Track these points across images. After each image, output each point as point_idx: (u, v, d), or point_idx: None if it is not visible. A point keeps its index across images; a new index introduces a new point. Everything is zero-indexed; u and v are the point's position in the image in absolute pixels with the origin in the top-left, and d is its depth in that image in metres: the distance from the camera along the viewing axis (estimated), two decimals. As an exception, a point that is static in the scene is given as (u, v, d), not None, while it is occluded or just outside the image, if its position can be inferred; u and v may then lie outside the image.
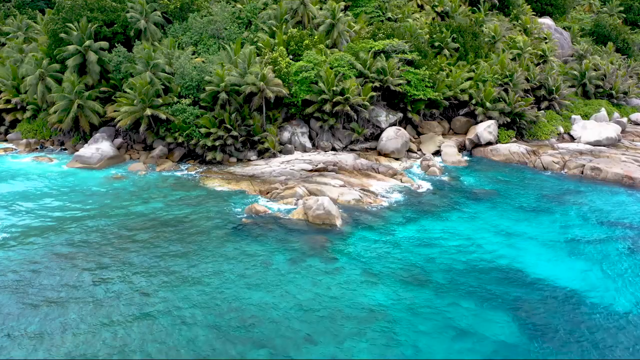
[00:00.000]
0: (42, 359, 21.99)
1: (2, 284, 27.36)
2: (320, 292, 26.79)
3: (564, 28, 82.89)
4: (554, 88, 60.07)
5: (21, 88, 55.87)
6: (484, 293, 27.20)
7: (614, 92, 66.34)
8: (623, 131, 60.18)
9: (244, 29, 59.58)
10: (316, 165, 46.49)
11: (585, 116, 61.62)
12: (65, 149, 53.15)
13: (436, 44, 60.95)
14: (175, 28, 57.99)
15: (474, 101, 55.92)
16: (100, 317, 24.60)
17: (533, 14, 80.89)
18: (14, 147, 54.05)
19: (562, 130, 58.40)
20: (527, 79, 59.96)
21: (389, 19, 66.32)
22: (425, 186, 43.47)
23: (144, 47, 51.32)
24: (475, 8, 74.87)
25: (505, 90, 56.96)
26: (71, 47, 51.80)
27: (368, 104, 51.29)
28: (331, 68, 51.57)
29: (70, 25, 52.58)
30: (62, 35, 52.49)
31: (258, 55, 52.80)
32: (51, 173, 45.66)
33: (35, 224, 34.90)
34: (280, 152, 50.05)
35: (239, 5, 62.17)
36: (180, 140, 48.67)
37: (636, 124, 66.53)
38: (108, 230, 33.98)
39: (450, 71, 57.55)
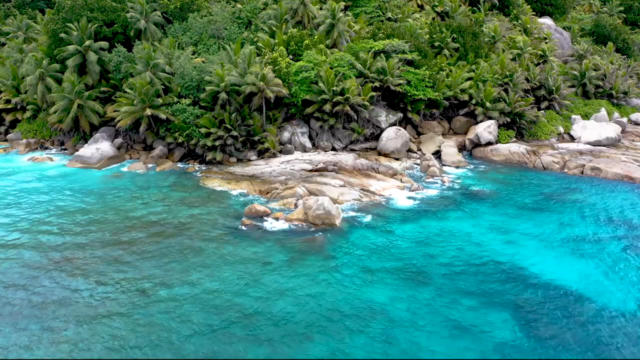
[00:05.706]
0: (42, 358, 22.01)
1: (2, 284, 27.37)
2: (319, 291, 26.80)
3: (564, 28, 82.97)
4: (554, 88, 60.07)
5: (21, 88, 55.93)
6: (483, 292, 27.20)
7: (614, 92, 66.38)
8: (623, 131, 60.22)
9: (244, 29, 59.61)
10: (316, 165, 46.49)
11: (585, 116, 61.64)
12: (65, 149, 53.19)
13: (436, 44, 60.96)
14: (175, 28, 58.03)
15: (474, 101, 55.92)
16: (100, 317, 24.60)
17: (533, 14, 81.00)
18: (14, 147, 54.08)
19: (562, 130, 58.39)
20: (527, 79, 59.95)
21: (389, 19, 66.38)
22: (425, 186, 43.47)
23: (144, 47, 51.34)
24: (475, 8, 74.96)
25: (505, 90, 56.96)
26: (71, 47, 51.86)
27: (368, 104, 51.29)
28: (331, 68, 51.58)
29: (70, 25, 52.64)
30: (62, 35, 52.55)
31: (258, 55, 52.81)
32: (51, 173, 45.66)
33: (34, 224, 34.90)
34: (280, 152, 50.05)
35: (239, 5, 62.22)
36: (180, 140, 48.72)
37: (636, 124, 66.57)
38: (107, 230, 34.00)
39: (450, 71, 57.56)
